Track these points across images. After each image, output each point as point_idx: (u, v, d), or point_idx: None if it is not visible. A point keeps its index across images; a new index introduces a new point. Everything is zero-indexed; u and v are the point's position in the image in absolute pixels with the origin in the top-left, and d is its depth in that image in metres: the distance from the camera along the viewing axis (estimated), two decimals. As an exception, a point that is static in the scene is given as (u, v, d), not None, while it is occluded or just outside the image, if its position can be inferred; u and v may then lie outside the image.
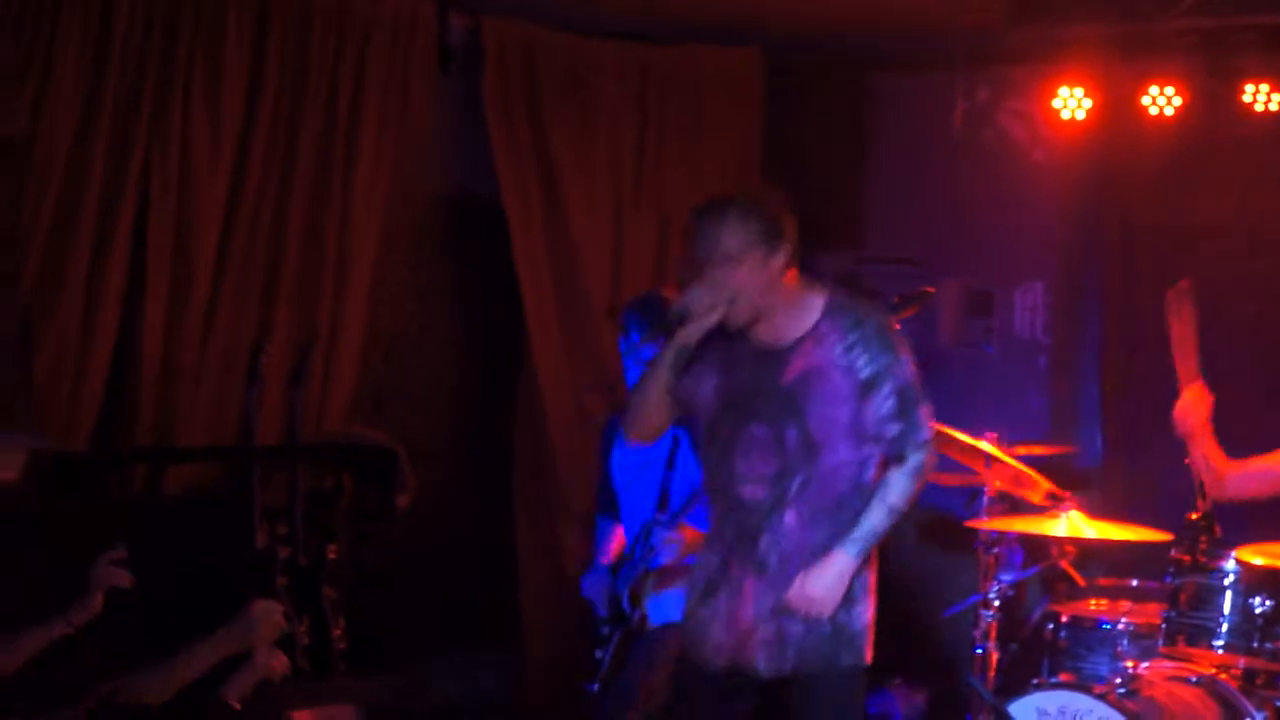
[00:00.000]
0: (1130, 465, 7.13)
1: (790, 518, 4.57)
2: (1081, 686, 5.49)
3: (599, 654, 5.67)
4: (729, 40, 7.35)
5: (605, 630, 5.68)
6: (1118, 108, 7.09)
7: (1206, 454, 5.91)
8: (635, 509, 5.75)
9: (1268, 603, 5.58)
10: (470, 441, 7.02)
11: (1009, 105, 7.37)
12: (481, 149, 6.76)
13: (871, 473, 4.63)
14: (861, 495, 4.61)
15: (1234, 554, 5.64)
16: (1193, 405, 5.91)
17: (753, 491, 4.61)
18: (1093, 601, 6.19)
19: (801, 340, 4.61)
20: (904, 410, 4.57)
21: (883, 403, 4.56)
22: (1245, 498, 5.94)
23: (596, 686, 5.64)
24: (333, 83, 6.24)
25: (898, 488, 4.59)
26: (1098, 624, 5.93)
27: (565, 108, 6.94)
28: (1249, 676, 5.61)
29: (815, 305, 4.64)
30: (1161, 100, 6.97)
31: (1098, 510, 6.13)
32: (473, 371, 7.06)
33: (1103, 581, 6.40)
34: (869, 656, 4.66)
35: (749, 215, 4.55)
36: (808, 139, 7.61)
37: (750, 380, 4.63)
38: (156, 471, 5.90)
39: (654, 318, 5.40)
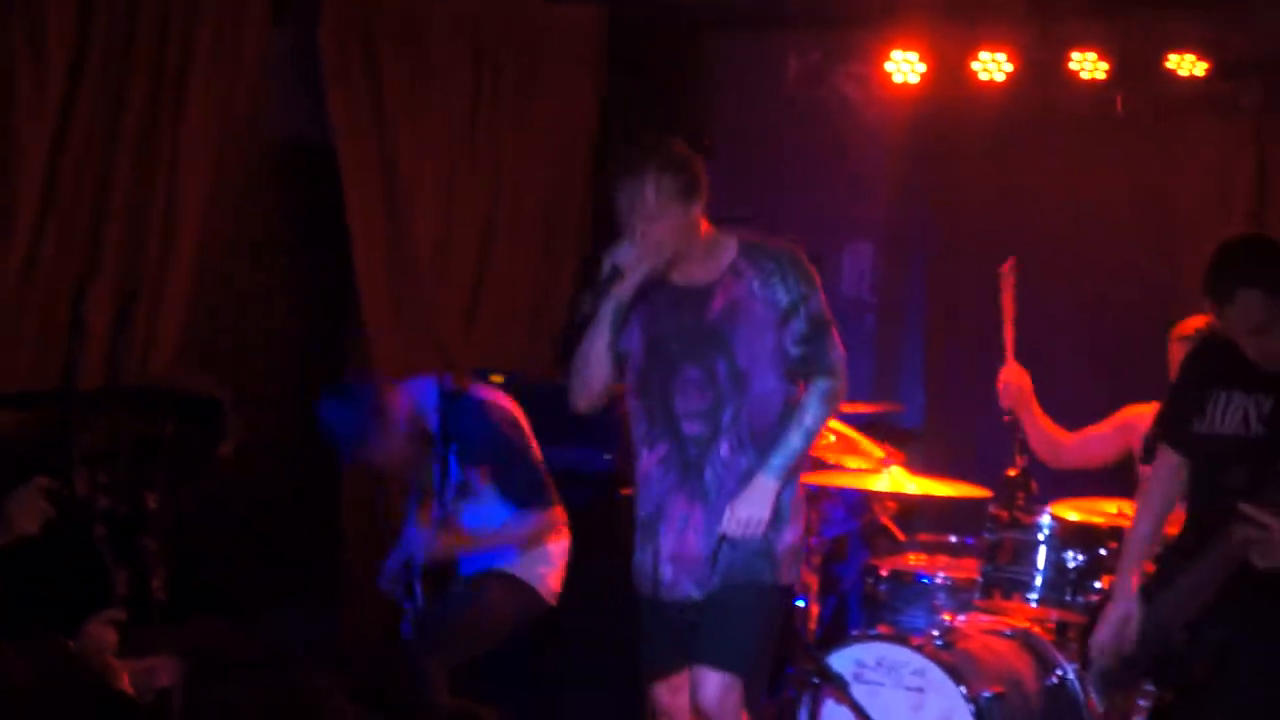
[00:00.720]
0: (951, 424, 7.31)
1: (724, 448, 4.83)
2: (899, 638, 5.65)
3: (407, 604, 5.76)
4: (564, -1, 7.41)
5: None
6: (949, 73, 7.23)
7: (1040, 426, 6.11)
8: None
9: (1080, 557, 5.79)
10: (300, 391, 6.99)
11: (843, 67, 7.48)
12: (316, 100, 6.73)
13: (793, 397, 4.87)
14: (785, 421, 4.86)
15: (1049, 509, 5.85)
16: (1011, 382, 6.12)
17: (692, 427, 4.85)
18: (911, 556, 6.37)
19: (720, 278, 4.85)
20: (815, 334, 4.84)
21: (797, 327, 4.82)
22: (1084, 466, 6.15)
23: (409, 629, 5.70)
24: (162, 29, 6.14)
25: (811, 410, 4.85)
26: (916, 578, 6.11)
27: (401, 60, 6.93)
28: (1062, 629, 5.81)
29: (729, 245, 4.88)
30: (992, 66, 7.14)
31: (920, 467, 6.30)
32: (304, 320, 7.04)
33: (922, 537, 6.58)
34: (788, 577, 4.93)
35: (668, 169, 4.74)
36: (647, 97, 7.66)
37: (675, 323, 4.88)
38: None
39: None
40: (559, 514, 5.76)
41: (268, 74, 6.57)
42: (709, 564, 4.81)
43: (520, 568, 5.72)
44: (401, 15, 6.95)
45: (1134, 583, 4.77)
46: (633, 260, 4.76)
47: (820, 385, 4.85)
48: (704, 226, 4.83)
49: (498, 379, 6.38)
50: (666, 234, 4.74)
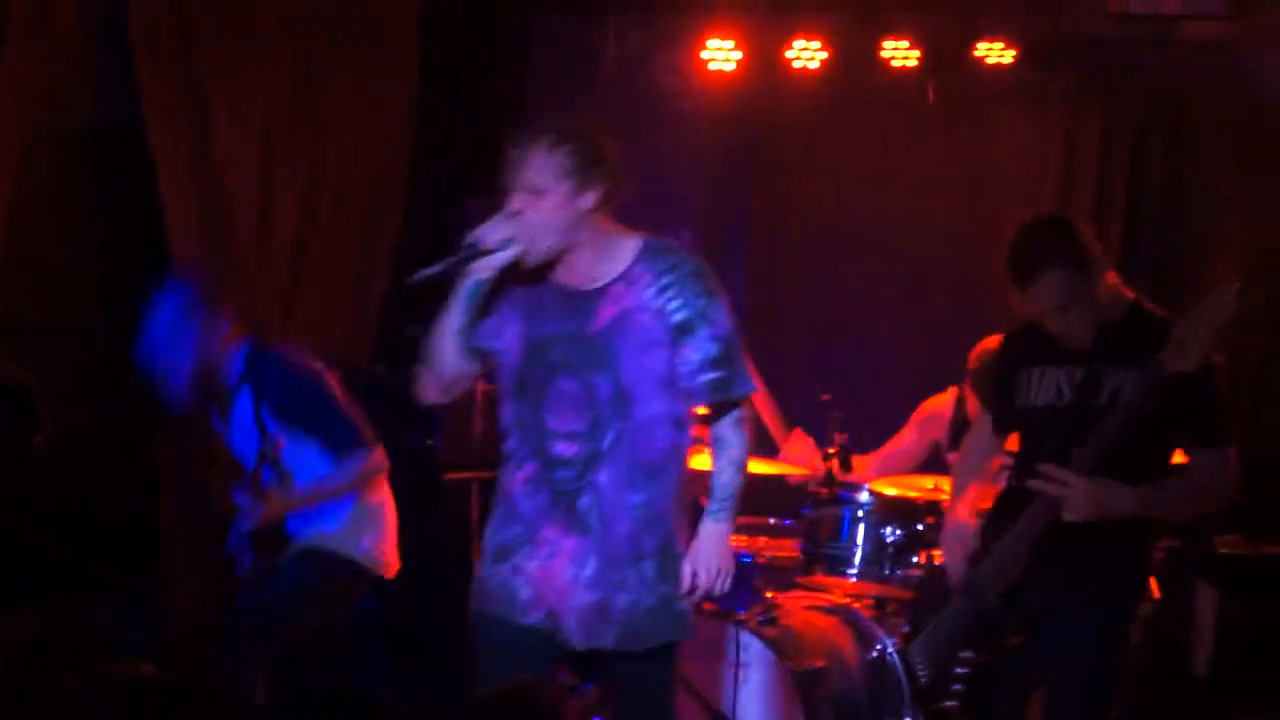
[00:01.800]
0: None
1: (604, 477, 4.41)
2: (723, 615, 5.80)
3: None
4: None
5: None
6: (765, 60, 7.43)
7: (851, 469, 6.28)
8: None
9: (898, 532, 5.99)
10: (113, 381, 6.97)
11: (661, 54, 7.62)
12: (129, 78, 6.70)
13: (685, 429, 4.51)
14: (678, 455, 4.51)
15: (867, 486, 6.04)
16: (800, 452, 6.35)
17: (565, 448, 4.41)
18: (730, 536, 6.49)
19: (612, 284, 4.41)
20: (725, 358, 4.43)
21: (698, 349, 4.40)
22: (899, 473, 6.37)
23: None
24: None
25: (734, 442, 4.53)
26: (737, 557, 6.21)
27: (216, 39, 6.90)
28: (881, 604, 6.00)
29: (628, 247, 4.45)
30: (806, 55, 7.34)
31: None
32: (116, 307, 7.00)
33: (740, 520, 6.71)
34: (688, 634, 4.60)
35: (561, 145, 4.32)
36: (468, 81, 7.74)
37: (556, 327, 4.44)
38: None
39: None
40: (380, 455, 5.62)
41: (81, 51, 6.54)
42: (597, 614, 4.43)
43: (341, 538, 5.63)
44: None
45: (960, 508, 4.95)
46: (499, 238, 4.31)
47: (734, 414, 4.50)
48: (605, 224, 4.41)
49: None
50: (548, 217, 4.30)
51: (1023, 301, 4.70)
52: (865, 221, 7.40)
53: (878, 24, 7.28)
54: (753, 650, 5.69)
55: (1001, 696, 4.83)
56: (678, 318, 4.36)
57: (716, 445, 4.54)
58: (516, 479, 4.50)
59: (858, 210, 7.41)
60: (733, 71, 7.45)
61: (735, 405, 4.49)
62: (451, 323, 4.42)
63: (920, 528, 6.00)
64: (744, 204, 7.72)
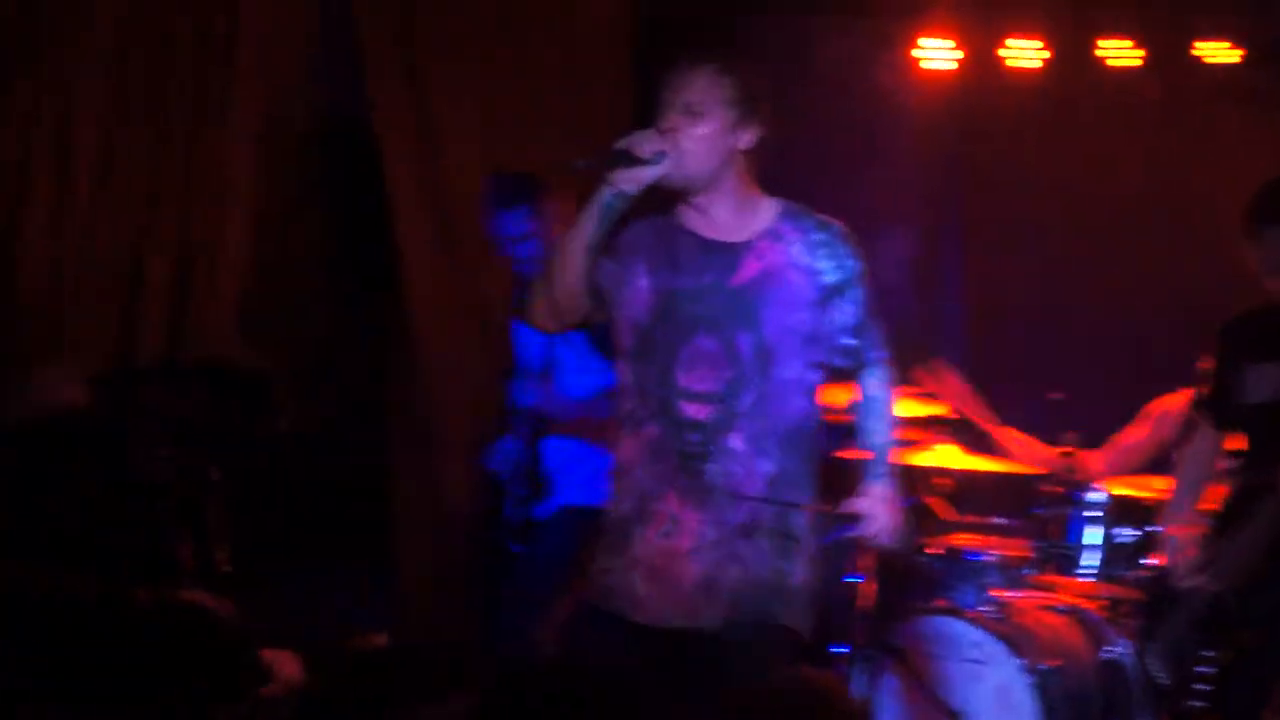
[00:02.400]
0: (996, 407, 7.48)
1: (737, 441, 4.18)
2: (955, 611, 5.86)
3: (510, 513, 5.83)
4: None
5: (523, 492, 5.81)
6: (979, 60, 7.47)
7: (1074, 467, 6.27)
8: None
9: (1131, 533, 6.01)
10: (347, 367, 7.17)
11: (873, 53, 7.67)
12: (355, 68, 6.87)
13: (816, 397, 4.33)
14: (811, 425, 4.30)
15: (1100, 486, 6.07)
16: (1026, 450, 6.34)
17: (696, 410, 4.18)
18: (961, 536, 6.54)
19: (756, 239, 4.22)
20: (866, 324, 4.30)
21: (844, 312, 4.25)
22: (1127, 472, 6.37)
23: (519, 548, 5.76)
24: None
25: (884, 399, 4.39)
26: (968, 556, 6.28)
27: (439, 37, 7.06)
28: (1115, 605, 6.02)
29: (769, 206, 4.29)
30: (1022, 53, 7.38)
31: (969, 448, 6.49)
32: (349, 294, 7.20)
33: (969, 518, 6.75)
34: (801, 620, 4.28)
35: (729, 73, 4.17)
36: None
37: (693, 280, 4.21)
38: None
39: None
40: None
41: (312, 42, 6.74)
42: (704, 589, 4.17)
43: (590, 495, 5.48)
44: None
45: (1183, 511, 4.99)
46: (648, 150, 4.11)
47: (879, 372, 4.36)
48: (748, 176, 4.25)
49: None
50: (703, 143, 4.13)
51: (1260, 247, 4.68)
52: (1084, 223, 7.39)
53: (1095, 22, 7.29)
54: (986, 648, 5.73)
55: (1246, 694, 4.84)
56: (830, 279, 4.22)
57: (867, 406, 4.38)
58: (635, 444, 4.26)
59: (1077, 212, 7.41)
60: (947, 71, 7.50)
61: (877, 365, 4.36)
62: (582, 234, 4.19)
63: (1152, 529, 6.00)
64: (960, 206, 7.73)
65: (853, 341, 4.29)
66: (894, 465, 4.40)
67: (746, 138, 4.20)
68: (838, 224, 4.30)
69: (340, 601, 6.61)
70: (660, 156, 4.12)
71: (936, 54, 7.49)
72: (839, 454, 4.92)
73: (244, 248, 6.48)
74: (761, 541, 4.22)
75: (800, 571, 4.27)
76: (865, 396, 4.39)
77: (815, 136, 7.78)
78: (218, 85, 6.35)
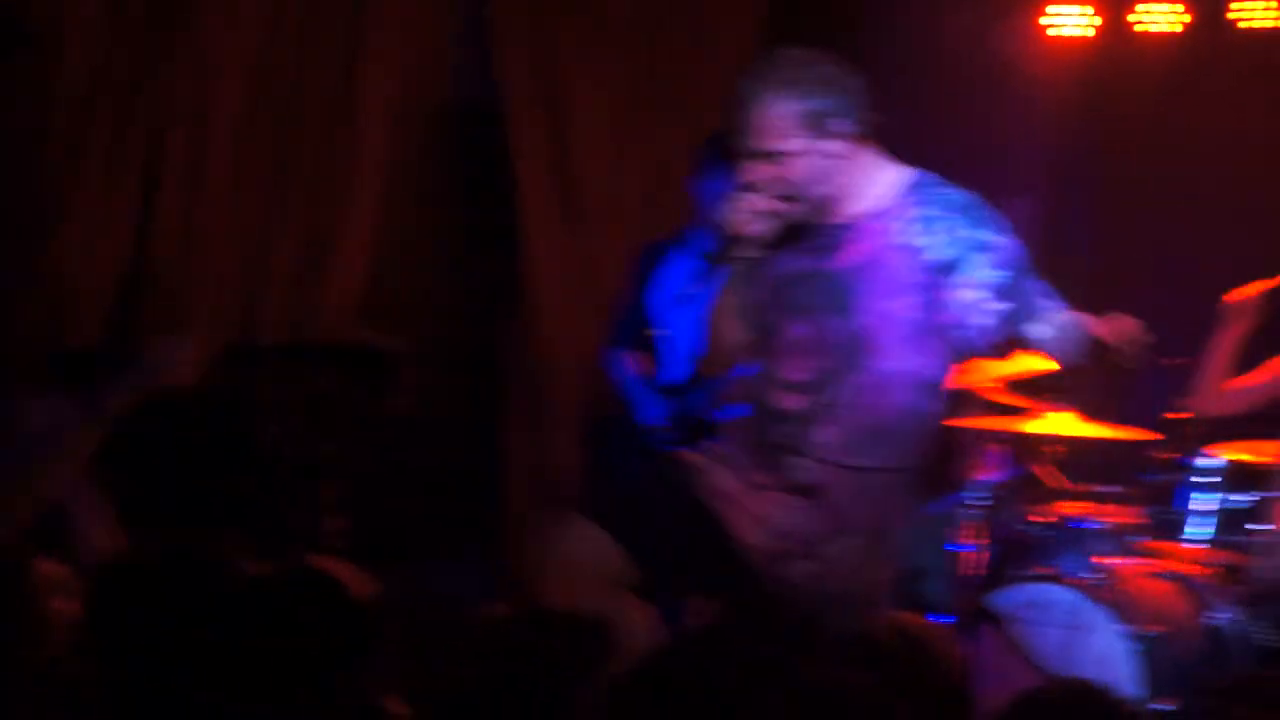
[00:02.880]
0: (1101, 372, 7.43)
1: (829, 435, 4.02)
2: (1056, 578, 5.87)
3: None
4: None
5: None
6: (1110, 26, 7.41)
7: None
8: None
9: (1242, 499, 5.96)
10: (467, 349, 7.35)
11: (1003, 19, 7.64)
12: (485, 56, 7.08)
13: (937, 394, 4.12)
14: (918, 424, 4.10)
15: (1213, 450, 6.02)
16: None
17: (789, 401, 4.06)
18: (1068, 504, 6.52)
19: (866, 217, 4.03)
20: (1016, 288, 4.02)
21: (971, 284, 3.97)
22: (1234, 414, 6.30)
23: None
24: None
25: (1069, 329, 4.12)
26: (1074, 523, 6.26)
27: (572, 17, 7.24)
28: (1223, 572, 5.98)
29: (893, 179, 4.07)
30: (1151, 19, 7.31)
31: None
32: (472, 279, 7.38)
33: (1077, 487, 6.72)
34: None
35: (786, 91, 3.95)
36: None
37: (796, 264, 4.08)
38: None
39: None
40: None
41: (444, 29, 6.96)
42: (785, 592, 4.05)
43: None
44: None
45: None
46: (746, 219, 4.04)
47: (1053, 318, 4.11)
48: (865, 153, 4.05)
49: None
50: (795, 178, 3.98)
51: None
52: (1217, 198, 7.28)
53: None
54: (1088, 614, 5.74)
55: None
56: (941, 256, 3.95)
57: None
58: (744, 433, 4.18)
59: (1209, 186, 7.29)
60: (1076, 38, 7.46)
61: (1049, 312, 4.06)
62: (726, 317, 4.16)
63: (1265, 495, 5.97)
64: (1088, 180, 7.65)
65: (1004, 304, 4.00)
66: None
67: (837, 142, 3.99)
68: (961, 193, 4.06)
69: (453, 583, 6.78)
70: (762, 218, 4.03)
71: (1063, 20, 7.43)
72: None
73: (372, 231, 6.71)
74: (848, 545, 4.09)
75: (888, 576, 4.18)
76: (1038, 341, 4.08)
77: (939, 111, 7.82)
78: (347, 70, 6.61)
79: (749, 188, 4.03)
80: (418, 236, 7.18)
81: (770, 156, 3.97)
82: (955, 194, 4.04)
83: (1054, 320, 4.08)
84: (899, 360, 3.99)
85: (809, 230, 4.07)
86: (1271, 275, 6.78)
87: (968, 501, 6.30)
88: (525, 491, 7.21)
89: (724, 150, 5.41)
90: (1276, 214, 7.25)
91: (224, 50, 6.31)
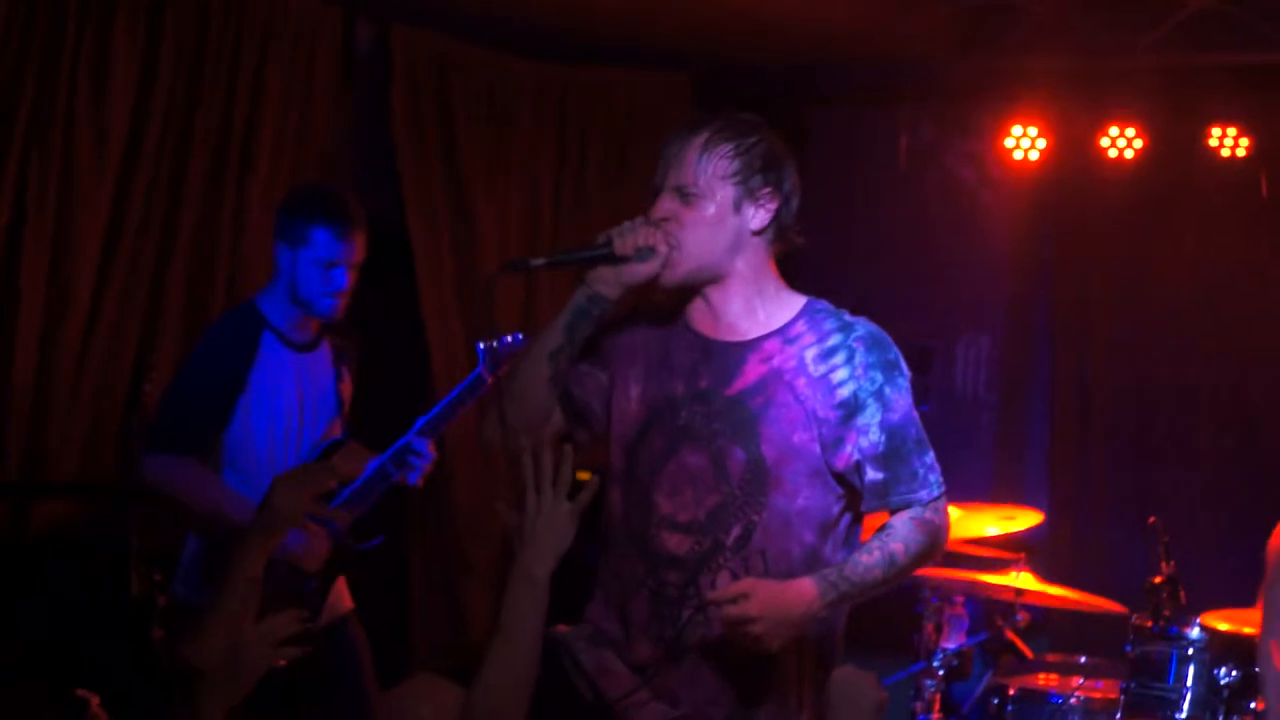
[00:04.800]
0: (1079, 533, 7.19)
1: (725, 580, 3.62)
2: (1034, 761, 5.54)
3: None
4: (656, 65, 7.41)
5: (312, 586, 5.30)
6: (1073, 149, 7.23)
7: None
8: (285, 435, 5.31)
9: (1234, 672, 5.64)
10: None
11: (956, 144, 7.48)
12: (387, 168, 6.75)
13: (842, 537, 3.74)
14: (817, 569, 3.65)
15: (1199, 620, 5.71)
16: None
17: (676, 543, 3.66)
18: (1041, 676, 6.23)
19: (766, 338, 3.71)
20: (893, 454, 3.66)
21: (863, 437, 3.66)
22: None
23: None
24: (229, 90, 6.19)
25: (901, 534, 3.66)
26: (1049, 697, 5.97)
27: (479, 127, 6.98)
28: (1215, 754, 5.66)
29: (791, 302, 3.76)
30: (1121, 142, 7.11)
31: (1044, 578, 6.19)
32: (372, 405, 7.01)
33: (1050, 657, 6.44)
34: None
35: (725, 142, 3.66)
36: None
37: (685, 385, 3.72)
38: (22, 508, 5.79)
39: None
40: None
41: (338, 139, 6.61)
42: None
43: None
44: (479, 78, 6.99)
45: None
46: (631, 244, 3.63)
47: (915, 512, 3.69)
48: (768, 265, 3.74)
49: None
50: (700, 229, 3.64)
51: None
52: (1185, 326, 7.10)
53: (1202, 110, 6.99)
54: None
55: None
56: (844, 391, 3.64)
57: (881, 530, 3.70)
58: (607, 583, 3.80)
59: (1177, 314, 7.11)
60: (1038, 161, 7.25)
61: (917, 507, 3.69)
62: (548, 342, 3.73)
63: (1255, 669, 5.66)
64: (1049, 304, 7.46)
65: (878, 475, 3.66)
66: (849, 589, 3.61)
67: (758, 217, 3.69)
68: (864, 323, 3.73)
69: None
70: (647, 253, 3.66)
71: (1024, 143, 7.21)
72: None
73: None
74: (758, 716, 3.70)
75: None
76: (885, 526, 3.72)
77: (890, 235, 7.60)
78: (232, 186, 6.25)
79: (646, 219, 3.69)
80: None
81: (682, 193, 3.67)
82: (859, 322, 3.75)
83: (904, 525, 3.69)
84: (803, 498, 3.67)
85: (700, 349, 3.74)
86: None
87: (929, 670, 5.98)
88: (432, 640, 6.84)
89: (300, 208, 5.11)
90: (1251, 351, 7.05)
91: (90, 161, 5.85)
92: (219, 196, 6.19)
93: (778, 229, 3.73)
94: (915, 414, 3.74)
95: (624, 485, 3.77)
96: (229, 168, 6.22)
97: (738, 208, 3.68)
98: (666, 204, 3.69)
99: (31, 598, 5.42)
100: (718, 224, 3.67)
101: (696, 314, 3.78)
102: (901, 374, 3.72)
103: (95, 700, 3.95)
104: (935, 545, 3.73)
